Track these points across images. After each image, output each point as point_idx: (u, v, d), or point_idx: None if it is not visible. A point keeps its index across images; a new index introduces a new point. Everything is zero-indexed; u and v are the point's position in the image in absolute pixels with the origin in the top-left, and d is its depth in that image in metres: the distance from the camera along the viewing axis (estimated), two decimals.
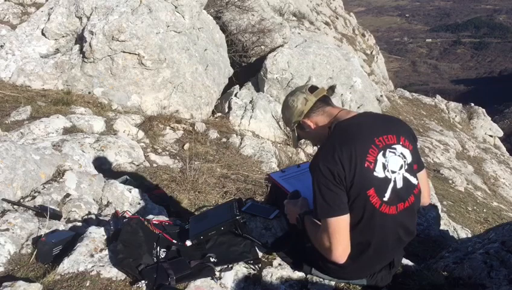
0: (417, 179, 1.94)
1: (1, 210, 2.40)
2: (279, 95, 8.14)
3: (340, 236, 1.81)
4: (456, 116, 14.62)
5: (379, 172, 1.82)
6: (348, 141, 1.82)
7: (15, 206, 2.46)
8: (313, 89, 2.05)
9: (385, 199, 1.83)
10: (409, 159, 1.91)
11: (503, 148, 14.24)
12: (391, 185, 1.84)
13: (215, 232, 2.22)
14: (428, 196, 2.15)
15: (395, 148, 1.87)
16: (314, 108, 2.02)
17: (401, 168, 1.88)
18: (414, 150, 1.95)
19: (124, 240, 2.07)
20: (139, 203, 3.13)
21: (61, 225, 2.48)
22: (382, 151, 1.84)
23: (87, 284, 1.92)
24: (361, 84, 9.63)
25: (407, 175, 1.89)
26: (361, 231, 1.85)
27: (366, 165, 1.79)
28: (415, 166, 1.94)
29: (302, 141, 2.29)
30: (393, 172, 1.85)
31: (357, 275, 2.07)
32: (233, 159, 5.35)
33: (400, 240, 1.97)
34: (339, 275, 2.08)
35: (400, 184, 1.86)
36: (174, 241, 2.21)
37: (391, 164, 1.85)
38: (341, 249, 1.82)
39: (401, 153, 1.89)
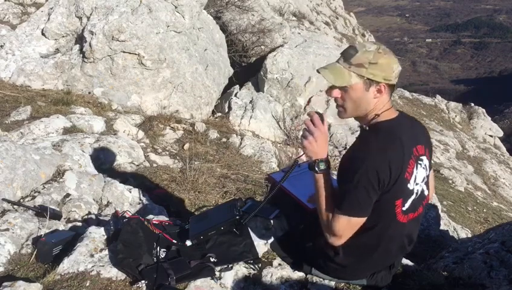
0: (428, 191, 1.95)
1: (1, 210, 2.40)
2: (279, 95, 8.13)
3: (350, 232, 1.82)
4: (456, 116, 14.60)
5: (411, 184, 1.82)
6: (398, 148, 1.77)
7: (15, 206, 2.46)
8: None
9: (404, 208, 1.84)
10: (428, 170, 1.92)
11: (503, 148, 14.23)
12: (413, 196, 1.85)
13: (215, 232, 2.22)
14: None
15: (422, 160, 1.87)
16: (390, 86, 1.85)
17: (423, 180, 1.88)
18: (430, 160, 1.96)
19: (124, 240, 2.07)
20: (139, 203, 3.13)
21: (61, 225, 2.48)
22: (416, 164, 1.83)
23: (87, 284, 1.92)
24: None
25: (424, 187, 1.91)
26: (373, 235, 1.86)
27: (405, 176, 1.79)
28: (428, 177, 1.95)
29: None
30: (417, 184, 1.85)
31: (357, 276, 2.08)
32: (233, 159, 5.34)
33: (403, 248, 2.00)
34: (339, 275, 2.08)
35: (418, 195, 1.88)
36: (174, 241, 2.21)
37: (419, 176, 1.85)
38: (343, 240, 1.84)
39: (425, 165, 1.89)
